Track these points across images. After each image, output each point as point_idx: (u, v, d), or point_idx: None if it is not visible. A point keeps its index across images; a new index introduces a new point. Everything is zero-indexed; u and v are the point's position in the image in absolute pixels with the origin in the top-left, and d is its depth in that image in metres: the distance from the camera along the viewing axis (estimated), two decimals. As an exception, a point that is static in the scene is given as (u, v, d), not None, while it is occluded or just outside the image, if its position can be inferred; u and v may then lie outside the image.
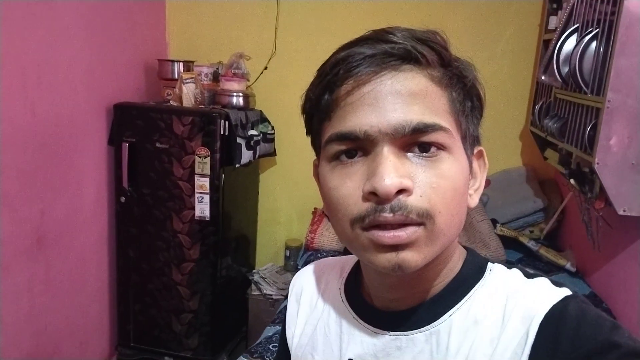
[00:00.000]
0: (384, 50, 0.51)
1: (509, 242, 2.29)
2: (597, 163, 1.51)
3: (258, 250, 2.97)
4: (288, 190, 2.89)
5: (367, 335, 0.61)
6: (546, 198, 2.47)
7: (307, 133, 0.61)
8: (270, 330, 1.71)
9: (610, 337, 0.47)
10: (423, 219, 0.49)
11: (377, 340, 0.59)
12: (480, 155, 0.60)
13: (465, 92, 0.55)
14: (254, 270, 2.81)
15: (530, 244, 2.22)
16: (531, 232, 2.48)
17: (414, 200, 0.49)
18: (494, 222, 2.37)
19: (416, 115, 0.50)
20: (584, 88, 1.63)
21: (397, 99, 0.50)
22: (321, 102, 0.55)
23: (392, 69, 0.51)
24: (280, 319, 1.81)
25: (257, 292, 2.64)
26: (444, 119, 0.52)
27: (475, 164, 0.59)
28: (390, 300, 0.60)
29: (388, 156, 0.50)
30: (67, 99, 2.09)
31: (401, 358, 0.57)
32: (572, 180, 1.78)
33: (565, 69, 1.79)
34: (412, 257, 0.50)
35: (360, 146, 0.52)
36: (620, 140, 1.48)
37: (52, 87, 1.99)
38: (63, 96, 2.07)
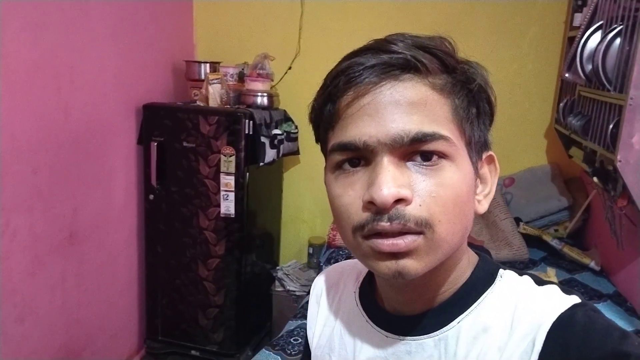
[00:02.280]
0: (384, 60, 0.51)
1: (532, 241, 2.28)
2: (619, 161, 1.49)
3: (282, 247, 3.02)
4: (311, 189, 2.93)
5: (378, 338, 0.62)
6: (571, 197, 2.45)
7: (316, 141, 0.62)
8: (292, 325, 1.75)
9: (619, 346, 0.47)
10: (422, 227, 0.50)
11: (388, 344, 0.60)
12: (490, 160, 0.60)
13: (470, 98, 0.54)
14: (277, 267, 2.85)
15: (554, 243, 2.20)
16: (556, 230, 2.45)
17: (412, 210, 0.50)
18: (517, 220, 2.36)
19: (415, 125, 0.50)
20: (607, 85, 1.62)
21: (396, 109, 0.50)
22: (324, 113, 0.56)
23: (391, 79, 0.51)
24: (302, 313, 1.85)
25: (280, 289, 2.69)
26: (445, 127, 0.52)
27: (485, 170, 0.59)
28: (400, 305, 0.61)
29: (387, 166, 0.50)
30: (98, 100, 2.17)
31: None
32: (595, 178, 1.76)
33: (588, 67, 1.78)
34: (412, 265, 0.51)
35: (361, 156, 0.52)
36: (643, 138, 1.47)
37: (84, 89, 2.08)
38: (94, 97, 2.15)
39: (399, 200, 0.49)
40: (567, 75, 2.01)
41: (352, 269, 0.74)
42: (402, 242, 0.50)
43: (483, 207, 0.58)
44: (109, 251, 2.35)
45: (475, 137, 0.55)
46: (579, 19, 2.12)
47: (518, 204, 2.50)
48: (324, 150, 0.59)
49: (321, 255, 2.54)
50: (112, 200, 2.34)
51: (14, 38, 1.71)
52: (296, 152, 2.78)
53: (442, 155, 0.51)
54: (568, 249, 2.16)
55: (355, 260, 0.74)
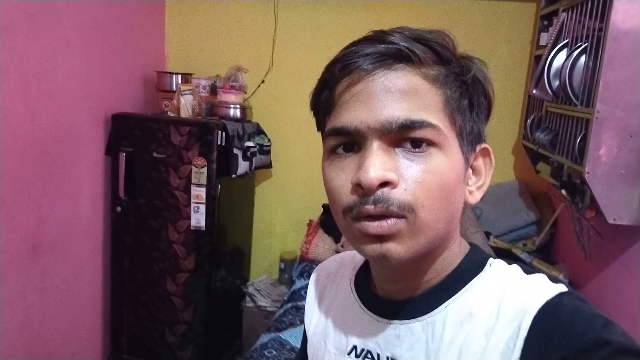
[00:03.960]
0: (379, 50, 0.53)
1: (502, 254, 2.31)
2: (587, 172, 1.54)
3: (253, 262, 2.97)
4: (283, 203, 2.91)
5: (370, 323, 0.63)
6: (538, 211, 2.50)
7: (317, 129, 0.63)
8: (265, 338, 1.72)
9: (603, 333, 0.48)
10: (404, 211, 0.51)
11: (379, 328, 0.62)
12: (486, 153, 0.61)
13: (463, 90, 0.56)
14: (248, 283, 2.81)
15: (524, 256, 2.24)
16: (524, 245, 2.50)
17: (397, 193, 0.51)
18: (487, 234, 2.40)
19: (404, 112, 0.52)
20: (574, 100, 1.68)
21: (387, 96, 0.52)
22: (321, 99, 0.58)
23: (385, 67, 0.53)
24: (275, 327, 1.82)
25: (251, 304, 2.64)
26: (435, 116, 0.53)
27: (480, 162, 0.60)
28: (391, 291, 0.62)
29: (376, 151, 0.52)
30: (66, 109, 2.12)
31: (400, 346, 0.59)
32: (563, 191, 1.81)
33: (555, 83, 1.84)
34: (395, 249, 0.52)
35: (354, 141, 0.54)
36: (609, 150, 1.52)
37: (52, 97, 2.02)
38: (63, 105, 2.09)
39: (385, 184, 0.51)
40: (534, 91, 2.07)
41: (350, 259, 0.76)
42: (385, 225, 0.51)
43: (475, 198, 0.60)
44: (73, 264, 2.26)
45: (467, 128, 0.57)
46: (545, 38, 2.20)
47: (487, 218, 2.55)
48: (323, 136, 0.60)
49: (294, 269, 2.52)
50: (78, 212, 2.27)
51: (-21, 40, 1.66)
52: (269, 166, 2.77)
53: (431, 143, 0.53)
54: (537, 262, 2.20)
55: (353, 251, 0.76)
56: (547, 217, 2.48)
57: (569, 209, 2.02)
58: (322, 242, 2.41)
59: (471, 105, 0.57)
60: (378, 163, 0.51)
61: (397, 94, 0.52)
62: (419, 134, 0.52)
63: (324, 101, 0.58)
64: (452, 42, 0.57)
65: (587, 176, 1.54)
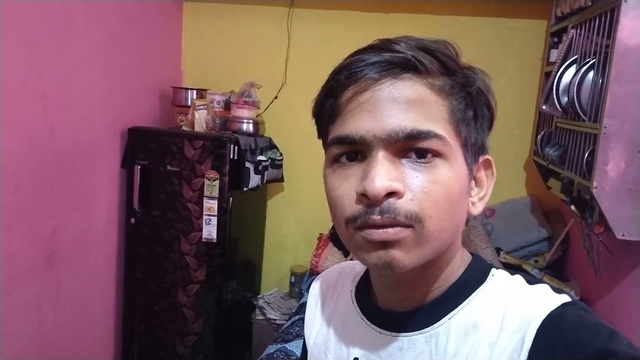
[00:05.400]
0: (385, 58, 0.53)
1: (513, 270, 2.29)
2: (595, 187, 1.54)
3: (264, 275, 2.99)
4: (295, 217, 2.93)
5: (372, 335, 0.62)
6: (550, 228, 2.48)
7: (318, 136, 0.62)
8: (271, 348, 1.73)
9: (608, 344, 0.47)
10: (411, 221, 0.51)
11: (381, 340, 0.61)
12: (487, 164, 0.61)
13: (468, 101, 0.56)
14: (259, 295, 2.82)
15: (534, 272, 2.22)
16: (536, 261, 2.48)
17: (403, 203, 0.51)
18: (498, 250, 2.39)
19: (410, 122, 0.51)
20: (582, 116, 1.68)
21: (393, 106, 0.52)
22: (325, 107, 0.58)
23: (391, 76, 0.53)
24: (282, 337, 1.83)
25: (261, 317, 2.65)
26: (441, 127, 0.53)
27: (482, 173, 0.60)
28: (392, 302, 0.61)
29: (382, 160, 0.51)
30: (84, 122, 2.18)
31: (402, 358, 0.59)
32: (572, 207, 1.80)
33: (564, 99, 1.84)
34: (400, 257, 0.52)
35: (358, 150, 0.54)
36: (617, 165, 1.52)
37: (70, 110, 2.08)
38: (80, 119, 2.15)
39: (391, 194, 0.51)
40: (544, 107, 2.07)
41: (350, 270, 0.75)
42: (391, 231, 0.51)
43: (477, 210, 0.59)
44: (88, 274, 2.31)
45: (471, 140, 0.57)
46: (555, 54, 2.21)
47: (498, 234, 2.53)
48: (325, 144, 0.60)
49: (303, 283, 2.53)
50: (93, 223, 2.32)
51: (1, 55, 1.73)
52: (280, 180, 2.80)
53: (436, 154, 0.53)
54: (548, 278, 2.18)
55: (354, 262, 0.76)
56: (558, 234, 2.46)
57: (579, 225, 2.01)
58: (332, 256, 2.42)
59: (475, 117, 0.57)
60: (384, 173, 0.50)
61: (404, 104, 0.52)
62: (425, 144, 0.52)
63: (328, 109, 0.57)
64: (456, 52, 0.57)
65: (594, 191, 1.53)
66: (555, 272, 2.40)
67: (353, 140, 0.53)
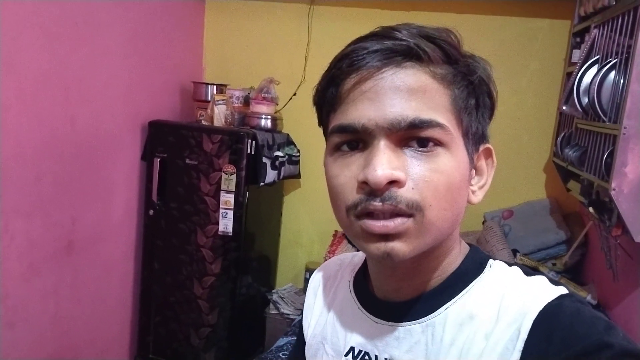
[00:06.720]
0: (388, 46, 0.52)
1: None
2: (614, 189, 1.51)
3: (279, 270, 3.01)
4: (311, 213, 2.94)
5: (368, 324, 0.63)
6: (569, 231, 2.44)
7: (319, 124, 0.63)
8: (282, 341, 1.75)
9: (604, 336, 0.47)
10: (412, 210, 0.51)
11: (378, 329, 0.61)
12: (488, 153, 0.61)
13: (470, 89, 0.56)
14: (273, 290, 2.84)
15: (551, 275, 2.19)
16: (554, 264, 2.44)
17: (404, 192, 0.51)
18: (515, 252, 2.36)
19: (413, 111, 0.51)
20: (602, 117, 1.65)
21: (396, 94, 0.52)
22: (327, 95, 0.58)
23: (393, 65, 0.52)
24: (293, 331, 1.85)
25: (275, 311, 2.67)
26: (443, 116, 0.53)
27: (482, 162, 0.60)
28: (390, 291, 0.62)
29: (383, 149, 0.51)
30: (104, 114, 2.22)
31: (399, 348, 0.59)
32: (591, 209, 1.77)
33: (585, 99, 1.81)
34: (400, 247, 0.52)
35: (360, 138, 0.54)
36: (636, 167, 1.49)
37: (91, 102, 2.13)
38: (101, 111, 2.20)
39: (393, 183, 0.51)
40: (564, 108, 2.04)
41: (350, 261, 0.75)
42: (391, 224, 0.51)
43: (477, 198, 0.59)
44: (105, 264, 2.35)
45: (472, 128, 0.57)
46: (577, 55, 2.17)
47: (516, 236, 2.50)
48: (325, 132, 0.60)
49: (317, 279, 2.53)
50: (112, 213, 2.36)
51: (26, 47, 1.78)
52: (297, 176, 2.81)
53: (438, 143, 0.53)
54: (565, 281, 2.15)
55: (354, 252, 0.76)
56: (577, 237, 2.42)
57: (597, 227, 1.97)
58: (346, 252, 2.42)
59: (477, 105, 0.57)
60: (386, 161, 0.50)
61: (406, 93, 0.52)
62: (427, 133, 0.52)
63: (329, 97, 0.57)
64: (458, 40, 0.56)
65: (613, 193, 1.51)
66: (573, 275, 2.36)
67: (355, 129, 0.53)
